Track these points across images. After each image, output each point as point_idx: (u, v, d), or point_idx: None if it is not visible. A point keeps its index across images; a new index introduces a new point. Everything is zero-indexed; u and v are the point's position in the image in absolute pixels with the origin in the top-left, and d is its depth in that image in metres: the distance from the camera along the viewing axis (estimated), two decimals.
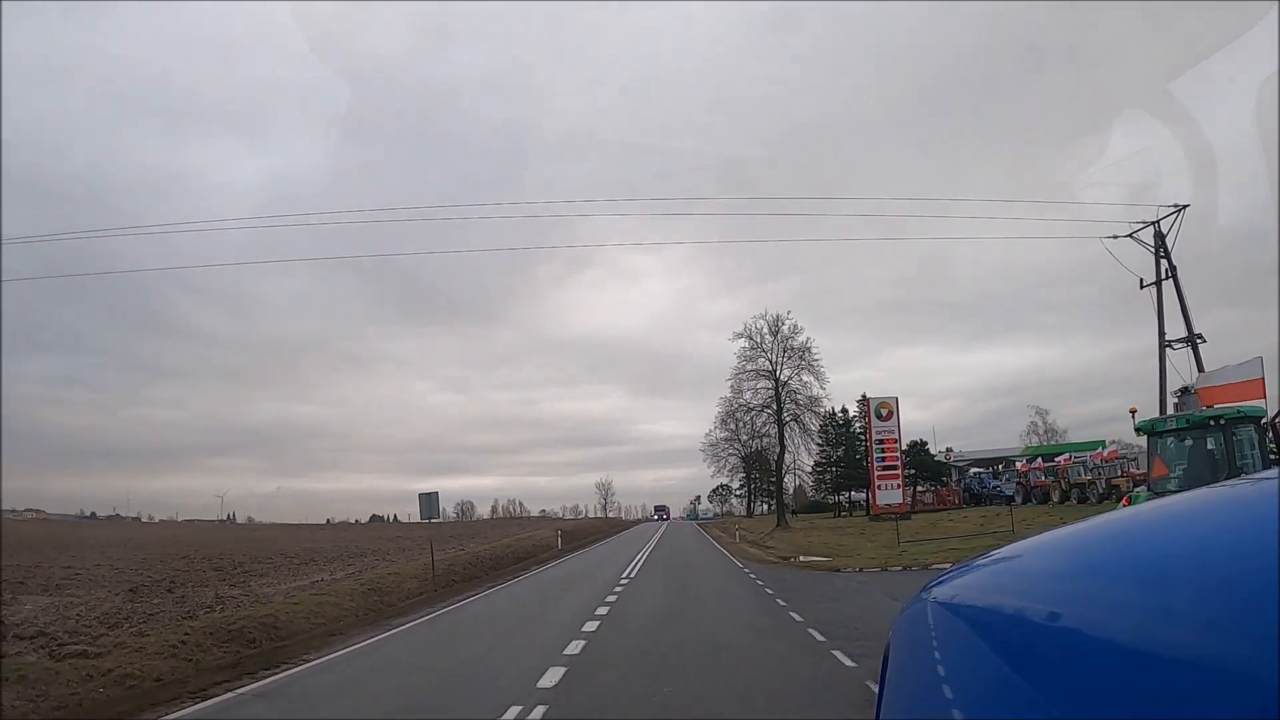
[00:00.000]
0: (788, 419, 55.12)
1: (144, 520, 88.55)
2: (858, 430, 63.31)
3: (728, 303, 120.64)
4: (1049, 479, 43.54)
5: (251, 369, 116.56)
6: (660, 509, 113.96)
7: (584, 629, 11.84)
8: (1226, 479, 1.29)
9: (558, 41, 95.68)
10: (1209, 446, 13.00)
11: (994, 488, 51.13)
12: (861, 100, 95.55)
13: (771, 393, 54.98)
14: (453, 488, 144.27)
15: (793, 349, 54.62)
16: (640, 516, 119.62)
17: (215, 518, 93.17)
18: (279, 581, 19.56)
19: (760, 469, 70.32)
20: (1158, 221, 26.27)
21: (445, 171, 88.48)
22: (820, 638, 10.27)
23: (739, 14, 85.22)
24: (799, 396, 55.35)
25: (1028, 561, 1.01)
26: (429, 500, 21.60)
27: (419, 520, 23.57)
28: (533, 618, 14.40)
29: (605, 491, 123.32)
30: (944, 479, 62.66)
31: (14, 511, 67.58)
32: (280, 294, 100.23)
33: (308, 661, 10.95)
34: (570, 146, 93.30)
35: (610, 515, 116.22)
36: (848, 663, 8.63)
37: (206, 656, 10.66)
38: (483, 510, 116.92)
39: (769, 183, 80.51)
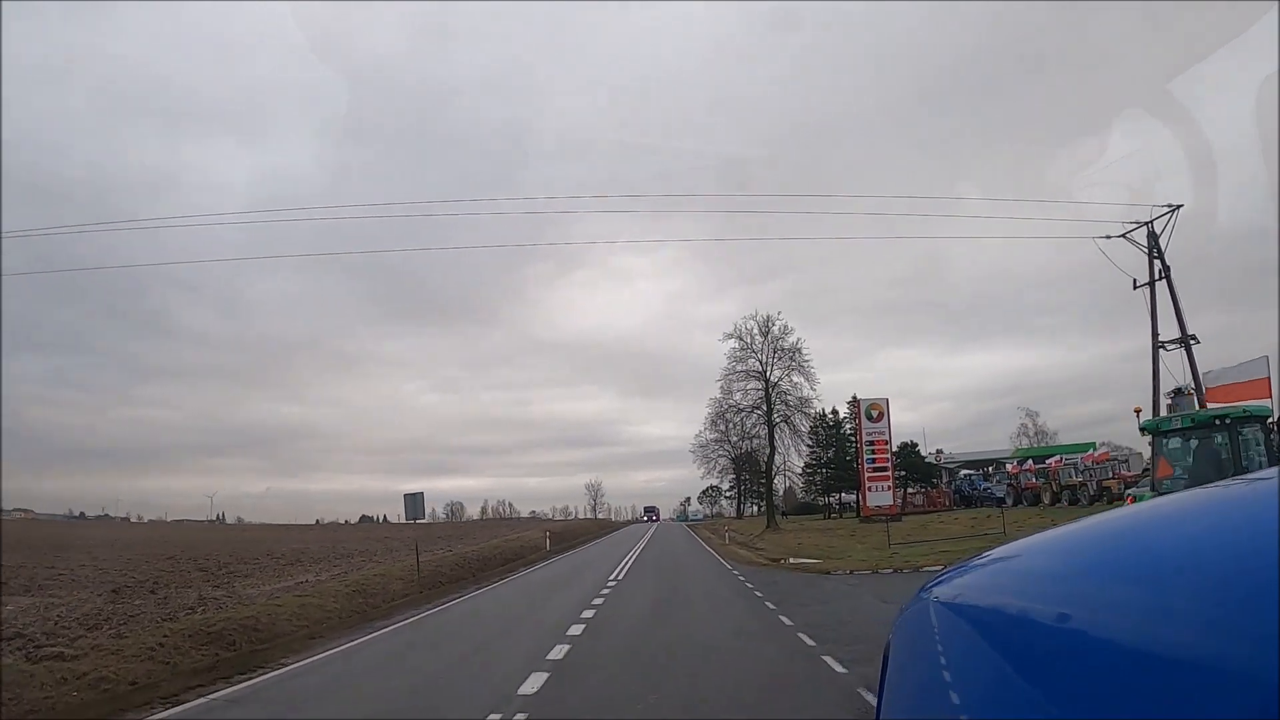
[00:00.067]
0: (778, 420, 55.14)
1: (133, 520, 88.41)
2: (848, 431, 63.13)
3: (719, 304, 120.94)
4: (1040, 481, 43.45)
5: (243, 369, 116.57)
6: (650, 510, 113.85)
7: (569, 633, 11.63)
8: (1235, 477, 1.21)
9: (557, 41, 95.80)
10: (1214, 446, 12.86)
11: (985, 489, 51.03)
12: (859, 100, 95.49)
13: (761, 394, 54.96)
14: (443, 488, 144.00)
15: (783, 350, 54.65)
16: (630, 518, 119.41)
17: (205, 518, 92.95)
18: (264, 582, 19.51)
19: (750, 470, 70.11)
20: (1151, 222, 26.25)
21: (443, 171, 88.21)
22: (810, 642, 10.09)
23: (738, 14, 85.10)
24: (789, 397, 55.39)
25: (1028, 561, 1.01)
26: (414, 501, 21.45)
27: (409, 521, 23.34)
28: (517, 620, 14.24)
29: (595, 493, 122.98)
30: (934, 481, 62.56)
31: (2, 511, 67.11)
32: (272, 294, 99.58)
33: (285, 666, 10.74)
34: (568, 146, 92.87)
35: (600, 516, 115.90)
36: (838, 668, 8.44)
37: (184, 659, 10.52)
38: (472, 511, 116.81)
39: (765, 183, 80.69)
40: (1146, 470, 32.64)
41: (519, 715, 7.15)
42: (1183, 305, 26.50)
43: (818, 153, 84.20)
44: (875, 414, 50.11)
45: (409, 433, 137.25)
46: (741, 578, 20.40)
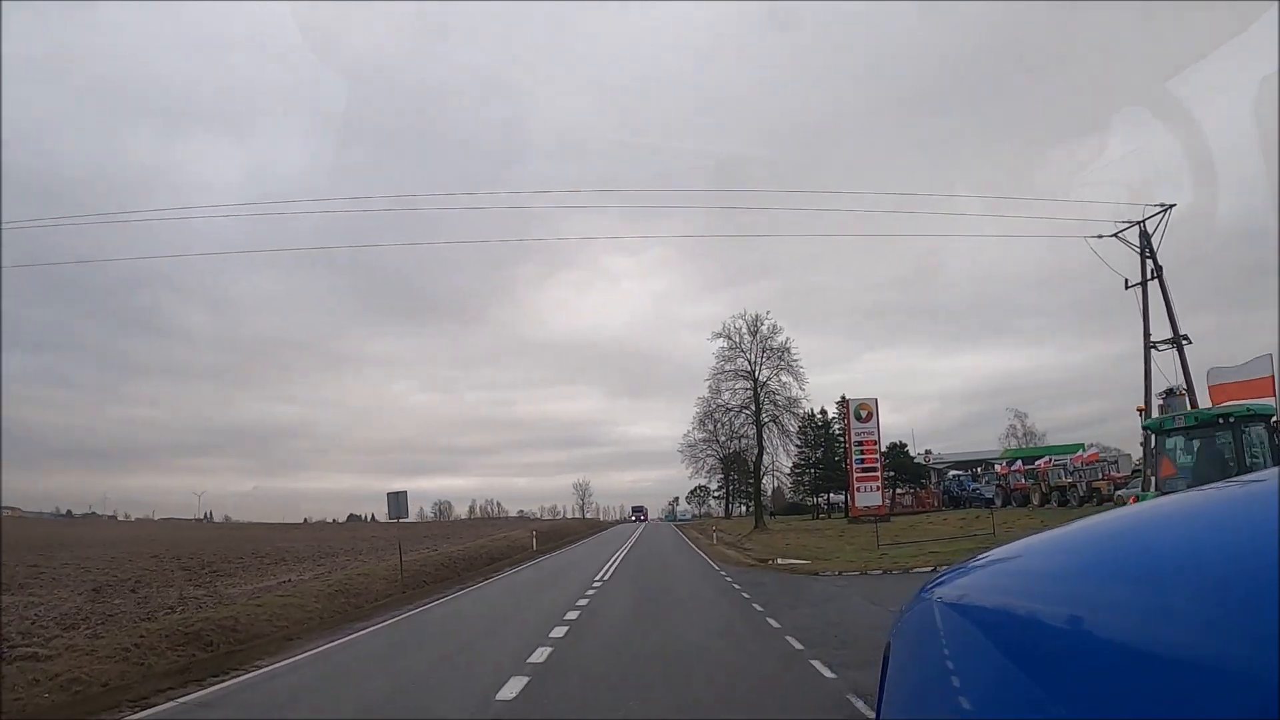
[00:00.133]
0: (766, 420, 54.99)
1: (120, 519, 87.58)
2: (837, 432, 63.14)
3: (708, 304, 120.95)
4: (1029, 481, 43.53)
5: (232, 367, 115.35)
6: (638, 510, 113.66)
7: (551, 635, 11.36)
8: (1238, 477, 1.26)
9: (554, 41, 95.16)
10: (1218, 445, 12.76)
11: (973, 490, 51.10)
12: (851, 101, 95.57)
13: (750, 393, 54.85)
14: (431, 488, 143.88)
15: (772, 349, 54.54)
16: (618, 517, 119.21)
17: (192, 517, 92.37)
18: (246, 582, 19.40)
19: (738, 470, 69.82)
20: (1143, 221, 26.10)
21: (436, 170, 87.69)
22: (798, 646, 9.87)
23: (728, 14, 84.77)
24: (778, 397, 55.27)
25: (1030, 562, 1.01)
26: (397, 500, 21.20)
27: (392, 520, 23.10)
28: (499, 622, 14.01)
29: (583, 492, 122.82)
30: (923, 481, 62.75)
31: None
32: (261, 292, 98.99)
33: (259, 668, 10.45)
34: (566, 146, 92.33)
35: (588, 516, 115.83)
36: (827, 674, 8.20)
37: (159, 660, 10.34)
38: (460, 511, 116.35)
39: (756, 183, 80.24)
40: (1136, 471, 32.84)
41: None
42: (1175, 306, 26.41)
43: (810, 153, 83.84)
44: (864, 414, 50.11)
45: (397, 432, 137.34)
46: (729, 579, 20.21)
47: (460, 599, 18.43)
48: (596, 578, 21.44)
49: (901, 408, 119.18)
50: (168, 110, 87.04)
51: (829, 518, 61.70)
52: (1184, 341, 25.57)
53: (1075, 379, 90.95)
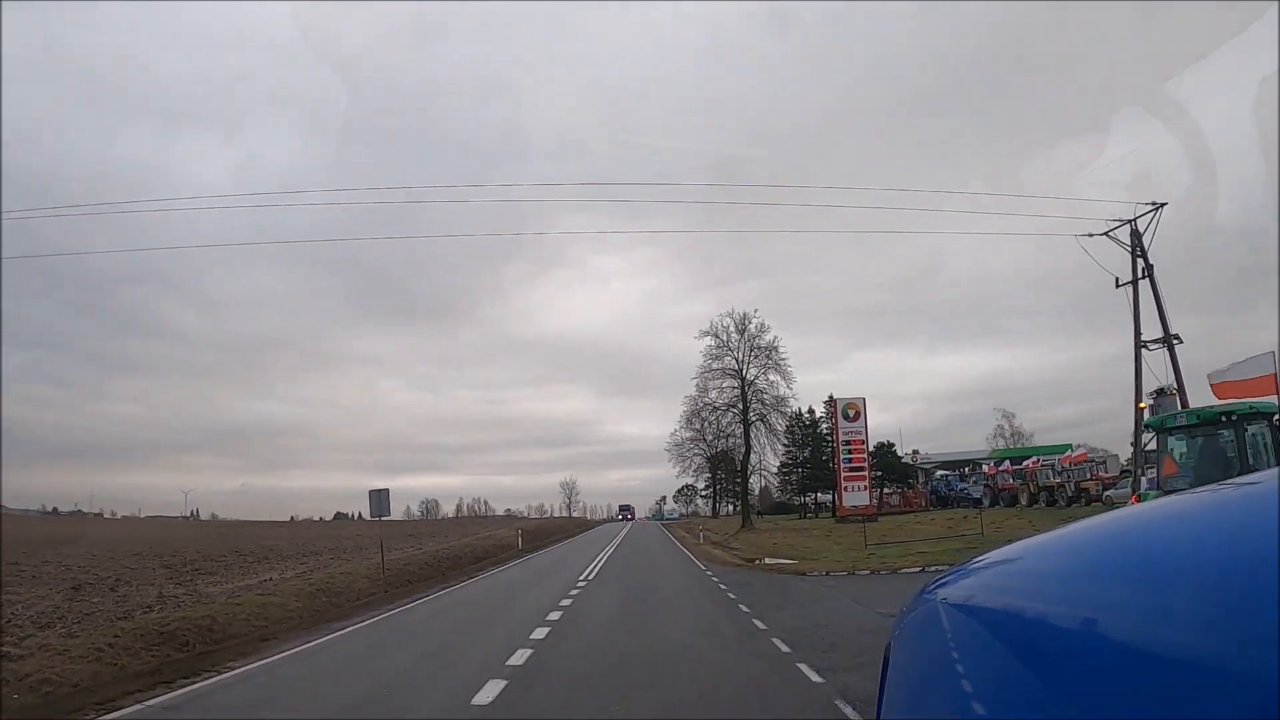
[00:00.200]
0: (754, 419, 55.01)
1: (106, 516, 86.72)
2: (824, 431, 63.21)
3: (696, 304, 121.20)
4: (1017, 482, 43.60)
5: (220, 365, 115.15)
6: (625, 509, 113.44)
7: (532, 636, 11.09)
8: (1239, 477, 1.23)
9: (554, 41, 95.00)
10: (1220, 443, 12.66)
11: (961, 490, 51.21)
12: (851, 102, 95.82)
13: (737, 392, 54.89)
14: (419, 486, 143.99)
15: (759, 348, 54.59)
16: (605, 516, 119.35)
17: (179, 514, 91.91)
18: (228, 580, 19.36)
19: (726, 469, 69.85)
20: (1134, 220, 26.02)
21: (436, 171, 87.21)
22: (785, 648, 9.62)
23: (735, 14, 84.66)
24: (765, 396, 55.35)
25: (1034, 563, 1.01)
26: (379, 497, 20.98)
27: (374, 518, 22.88)
28: (480, 622, 13.79)
29: (570, 491, 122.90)
30: (911, 481, 62.84)
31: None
32: (250, 290, 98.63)
33: (231, 670, 10.17)
34: (565, 146, 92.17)
35: (575, 515, 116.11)
36: (814, 677, 7.95)
37: (133, 661, 10.24)
38: (448, 509, 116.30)
39: (753, 184, 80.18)
40: (1125, 472, 32.90)
41: None
42: (1166, 306, 26.34)
43: (809, 153, 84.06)
44: (852, 413, 50.02)
45: (385, 430, 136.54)
46: (715, 579, 20.01)
47: (442, 598, 18.21)
48: (581, 577, 21.21)
49: (889, 408, 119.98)
50: (167, 110, 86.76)
51: (816, 517, 61.70)
52: (1175, 341, 25.49)
53: (1063, 380, 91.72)
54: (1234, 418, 12.42)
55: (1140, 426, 23.68)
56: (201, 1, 63.93)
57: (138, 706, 8.37)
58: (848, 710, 6.60)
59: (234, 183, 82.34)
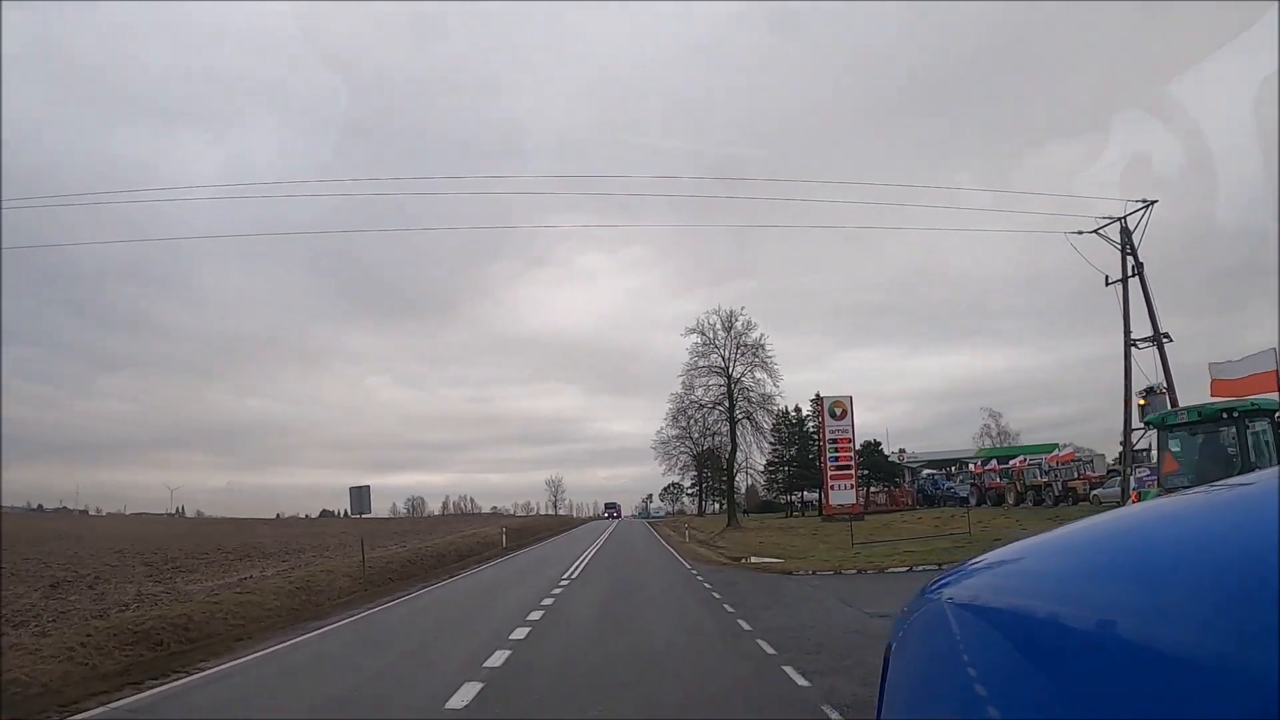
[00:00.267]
0: (740, 416, 54.85)
1: (92, 514, 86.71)
2: (810, 430, 63.18)
3: (684, 303, 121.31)
4: (1004, 481, 43.65)
5: (206, 362, 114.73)
6: (611, 507, 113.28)
7: (512, 637, 10.86)
8: (1241, 474, 1.39)
9: (552, 40, 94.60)
10: (1221, 441, 12.59)
11: (948, 489, 51.30)
12: (850, 102, 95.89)
13: (724, 389, 54.70)
14: (406, 483, 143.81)
15: (746, 345, 54.43)
16: (591, 514, 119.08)
17: (165, 511, 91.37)
18: (208, 578, 19.22)
19: (712, 467, 69.68)
20: (1124, 218, 25.94)
21: (434, 170, 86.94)
22: (770, 650, 9.41)
23: (734, 14, 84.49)
24: (752, 394, 55.19)
25: (1036, 563, 1.01)
26: (359, 494, 20.78)
27: (355, 515, 22.63)
28: (460, 622, 13.55)
29: (556, 489, 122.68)
30: (897, 480, 62.95)
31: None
32: (237, 287, 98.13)
33: (202, 670, 9.91)
34: (564, 146, 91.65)
35: (561, 513, 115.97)
36: (800, 681, 7.74)
37: (105, 661, 10.02)
38: (434, 506, 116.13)
39: (746, 183, 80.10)
40: (1112, 471, 32.94)
41: None
42: (1157, 304, 26.29)
43: (808, 153, 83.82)
44: (839, 412, 49.88)
45: (372, 427, 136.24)
46: (700, 578, 19.80)
47: (423, 597, 18.00)
48: (564, 576, 21.00)
49: (876, 407, 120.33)
50: (167, 109, 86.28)
51: (803, 516, 61.65)
52: (1164, 339, 25.41)
53: (1050, 379, 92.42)
54: (1236, 415, 12.35)
55: (1130, 425, 23.72)
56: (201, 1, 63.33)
57: (101, 709, 8.11)
58: (834, 715, 6.37)
59: (228, 179, 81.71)
